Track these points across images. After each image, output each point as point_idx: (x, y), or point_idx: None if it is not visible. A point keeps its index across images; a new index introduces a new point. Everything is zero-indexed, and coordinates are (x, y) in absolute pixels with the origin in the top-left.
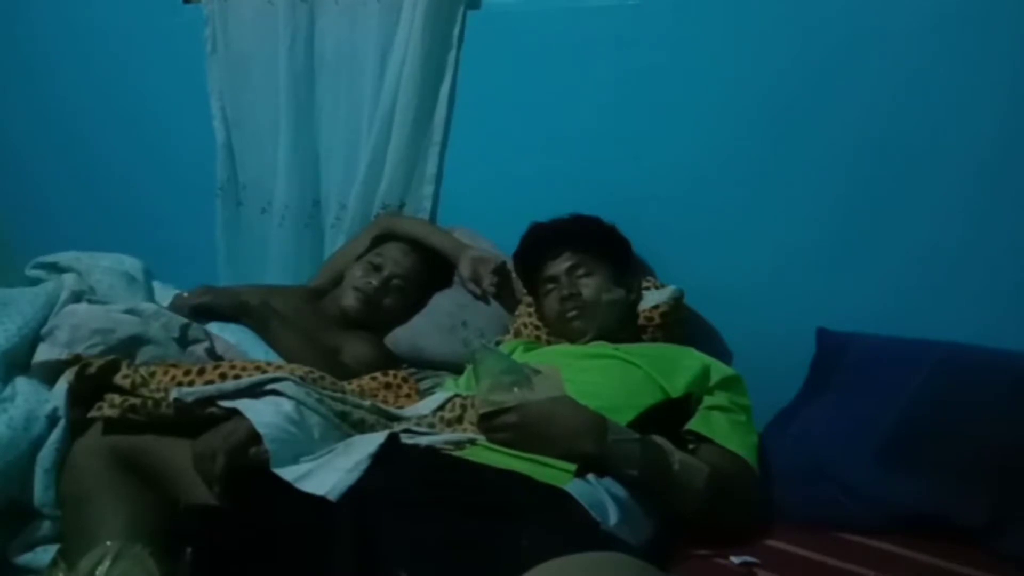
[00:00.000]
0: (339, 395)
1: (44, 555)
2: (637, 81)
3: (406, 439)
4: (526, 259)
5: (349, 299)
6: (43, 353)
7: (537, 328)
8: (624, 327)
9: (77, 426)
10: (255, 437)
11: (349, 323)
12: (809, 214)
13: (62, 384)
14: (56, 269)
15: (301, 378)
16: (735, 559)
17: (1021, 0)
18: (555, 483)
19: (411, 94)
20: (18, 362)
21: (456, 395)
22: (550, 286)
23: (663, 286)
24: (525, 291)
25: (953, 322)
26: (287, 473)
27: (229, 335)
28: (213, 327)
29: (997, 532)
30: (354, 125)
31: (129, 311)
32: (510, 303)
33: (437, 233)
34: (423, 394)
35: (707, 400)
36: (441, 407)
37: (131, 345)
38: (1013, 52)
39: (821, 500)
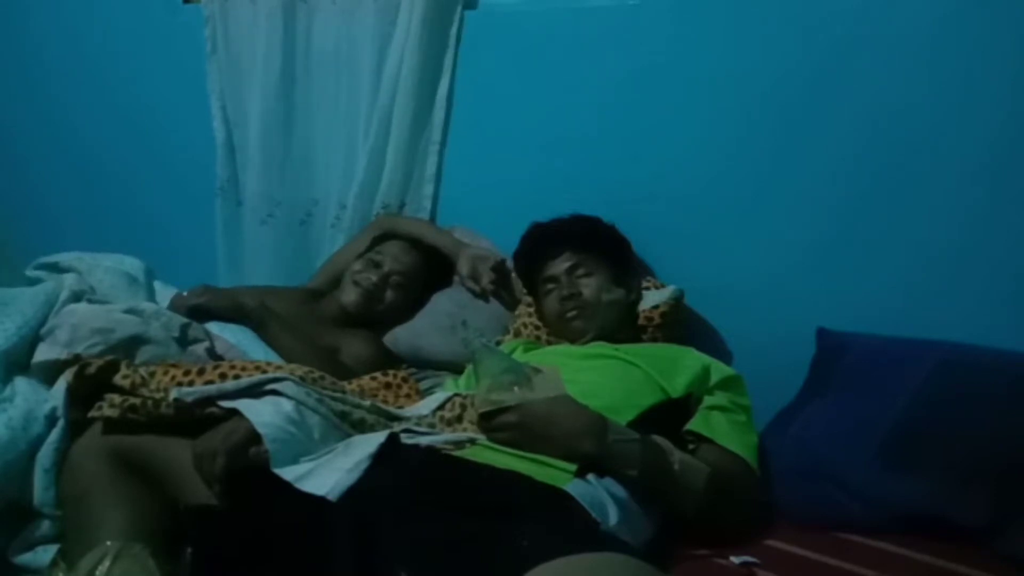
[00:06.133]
0: (339, 395)
1: (44, 555)
2: (637, 81)
3: (406, 439)
4: (526, 259)
5: (349, 295)
6: (43, 353)
7: (537, 328)
8: (624, 327)
9: (76, 426)
10: (255, 437)
11: (348, 322)
12: (809, 214)
13: (61, 384)
14: (57, 269)
15: (301, 378)
16: (735, 559)
17: (1022, 0)
18: (555, 483)
19: (409, 94)
20: (18, 362)
21: (456, 395)
22: (550, 286)
23: (663, 286)
24: (525, 291)
25: (953, 322)
26: (287, 473)
27: (229, 335)
28: (213, 327)
29: (997, 532)
30: (353, 125)
31: (129, 311)
32: (509, 302)
33: (437, 232)
34: (423, 394)
35: (707, 400)
36: (441, 407)
37: (131, 345)
38: (1014, 52)
39: (821, 500)
